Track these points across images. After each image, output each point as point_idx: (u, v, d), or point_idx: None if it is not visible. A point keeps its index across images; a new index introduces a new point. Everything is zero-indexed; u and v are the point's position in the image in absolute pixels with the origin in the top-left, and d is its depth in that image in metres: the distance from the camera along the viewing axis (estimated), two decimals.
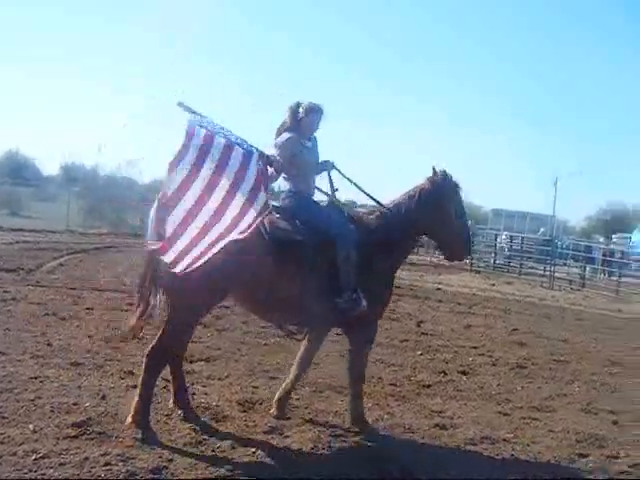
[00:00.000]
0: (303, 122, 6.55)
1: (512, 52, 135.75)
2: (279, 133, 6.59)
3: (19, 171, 54.45)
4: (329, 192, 6.79)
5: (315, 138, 6.79)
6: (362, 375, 6.76)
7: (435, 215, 6.72)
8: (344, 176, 6.78)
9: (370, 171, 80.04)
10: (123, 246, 23.84)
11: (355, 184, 6.81)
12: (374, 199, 7.00)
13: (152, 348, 5.84)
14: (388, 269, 6.75)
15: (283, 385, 6.82)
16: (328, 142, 7.06)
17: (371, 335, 6.79)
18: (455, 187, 6.83)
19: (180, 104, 5.67)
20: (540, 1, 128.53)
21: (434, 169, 6.79)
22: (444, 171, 6.75)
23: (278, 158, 6.23)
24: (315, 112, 6.58)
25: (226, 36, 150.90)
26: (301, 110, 6.54)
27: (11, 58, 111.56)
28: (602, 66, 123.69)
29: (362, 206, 7.31)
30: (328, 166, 6.76)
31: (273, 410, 6.64)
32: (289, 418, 6.60)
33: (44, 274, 14.75)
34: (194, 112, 5.65)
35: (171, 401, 6.35)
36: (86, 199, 35.59)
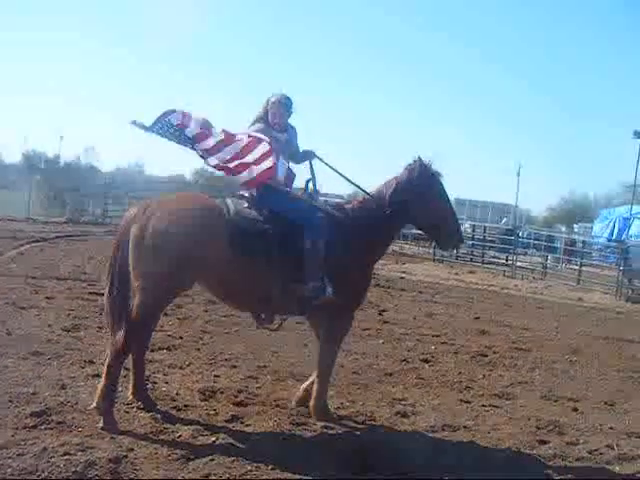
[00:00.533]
0: (270, 113, 6.62)
1: (472, 40, 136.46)
2: (252, 124, 6.66)
3: None
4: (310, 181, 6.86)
5: (293, 128, 6.84)
6: (331, 365, 6.77)
7: (417, 203, 6.61)
8: (327, 165, 6.81)
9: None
10: (84, 235, 23.63)
11: (338, 172, 6.85)
12: (358, 187, 7.02)
13: (118, 332, 5.81)
14: (366, 259, 6.74)
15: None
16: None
17: (346, 326, 6.80)
18: (433, 174, 6.68)
19: (133, 122, 6.00)
20: None
21: (416, 158, 6.70)
22: (419, 158, 6.66)
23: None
24: (280, 103, 6.63)
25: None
26: (270, 105, 6.63)
27: None
28: (566, 52, 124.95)
29: (339, 197, 7.30)
30: (309, 155, 6.82)
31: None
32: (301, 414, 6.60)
33: (4, 263, 14.57)
34: (146, 128, 6.03)
35: (130, 392, 6.31)
36: (47, 187, 35.22)
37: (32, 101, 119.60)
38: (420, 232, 7.34)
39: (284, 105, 6.65)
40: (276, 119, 6.63)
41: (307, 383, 6.81)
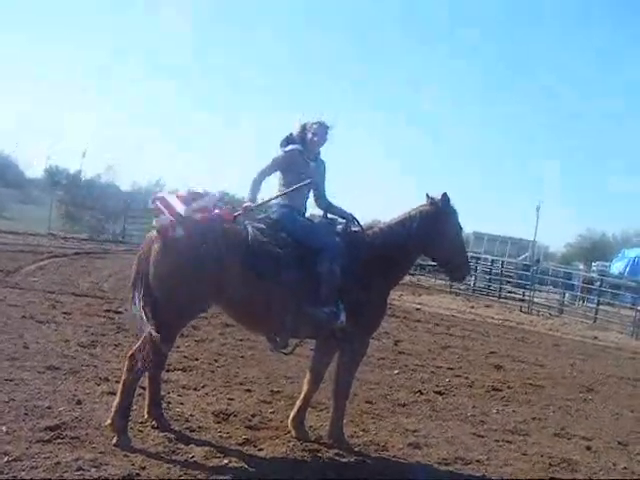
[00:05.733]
0: (309, 138, 6.65)
1: (494, 67, 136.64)
2: (284, 144, 6.67)
3: (1, 172, 54.02)
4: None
5: (322, 161, 6.87)
6: (348, 392, 6.79)
7: (438, 236, 6.77)
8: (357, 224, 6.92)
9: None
10: (103, 252, 23.77)
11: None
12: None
13: (136, 350, 5.85)
14: (383, 286, 6.77)
15: (296, 405, 6.80)
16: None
17: (361, 351, 6.81)
18: (454, 209, 6.88)
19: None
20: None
21: (428, 195, 6.86)
22: (445, 193, 6.78)
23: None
24: (322, 129, 6.67)
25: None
26: (308, 127, 6.66)
27: None
28: (586, 86, 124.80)
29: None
30: (348, 217, 6.86)
31: (292, 432, 6.62)
32: (313, 440, 6.60)
33: (23, 277, 14.67)
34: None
35: (145, 410, 6.33)
36: (68, 203, 35.44)
37: (58, 116, 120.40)
38: (433, 263, 7.46)
39: (325, 131, 6.68)
40: (314, 145, 6.67)
41: (297, 405, 6.80)
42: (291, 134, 6.71)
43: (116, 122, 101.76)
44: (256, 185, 6.46)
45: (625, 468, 7.12)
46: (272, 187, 6.70)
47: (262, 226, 6.40)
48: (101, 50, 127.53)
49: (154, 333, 5.74)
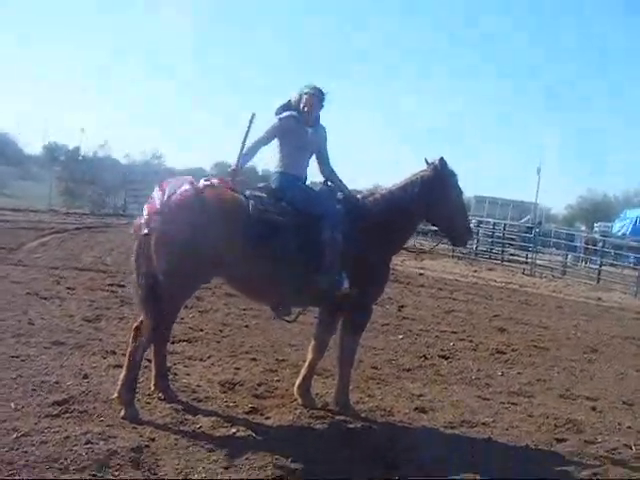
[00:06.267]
0: (302, 104, 6.60)
1: (493, 34, 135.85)
2: (280, 111, 6.64)
3: (0, 150, 53.83)
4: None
5: (323, 127, 6.83)
6: (352, 359, 6.83)
7: (439, 201, 6.76)
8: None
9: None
10: (104, 226, 23.76)
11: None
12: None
13: (141, 323, 5.88)
14: (385, 252, 6.78)
15: (301, 372, 6.84)
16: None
17: (365, 318, 6.84)
18: (453, 172, 6.87)
19: None
20: None
21: (427, 160, 6.84)
22: (442, 157, 6.75)
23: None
24: (314, 96, 6.62)
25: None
26: (303, 91, 6.62)
27: None
28: (592, 53, 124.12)
29: (358, 191, 7.28)
30: (345, 191, 6.82)
31: (298, 399, 6.66)
32: (319, 407, 6.64)
33: (26, 253, 14.68)
34: None
35: (152, 382, 6.36)
36: (68, 179, 35.40)
37: (54, 92, 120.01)
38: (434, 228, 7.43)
39: (317, 98, 6.62)
40: (307, 109, 6.60)
41: (303, 373, 6.83)
42: (289, 101, 6.67)
43: (116, 122, 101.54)
44: (248, 153, 6.45)
45: (630, 427, 7.15)
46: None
47: (262, 195, 6.40)
48: (101, 50, 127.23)
49: (151, 321, 5.82)
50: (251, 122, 6.38)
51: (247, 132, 6.38)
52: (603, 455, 6.20)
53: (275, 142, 6.60)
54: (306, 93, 6.59)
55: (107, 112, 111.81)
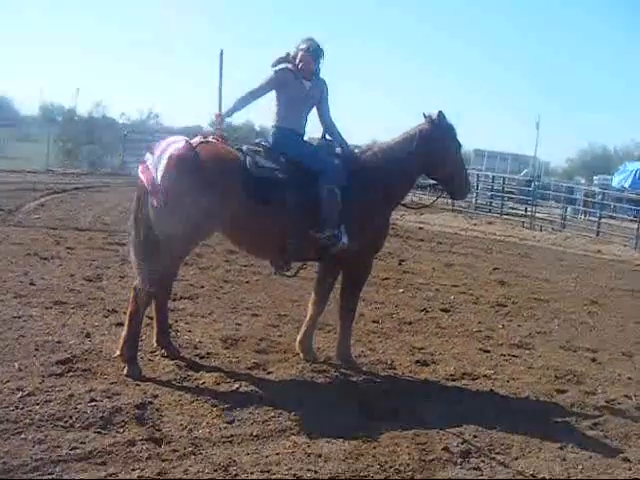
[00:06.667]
0: (298, 58, 6.49)
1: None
2: (276, 63, 6.53)
3: None
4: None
5: (324, 83, 6.73)
6: (353, 313, 6.87)
7: (438, 154, 6.74)
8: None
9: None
10: (103, 186, 23.67)
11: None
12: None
13: (140, 281, 5.87)
14: (384, 207, 6.77)
15: (302, 327, 6.86)
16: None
17: (366, 272, 6.88)
18: (452, 126, 6.84)
19: None
20: None
21: (424, 114, 6.79)
22: (440, 111, 6.73)
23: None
24: (309, 50, 6.49)
25: None
26: (299, 47, 6.52)
27: None
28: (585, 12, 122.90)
29: (356, 146, 7.23)
30: (343, 144, 6.77)
31: (300, 354, 6.70)
32: (321, 362, 6.69)
33: (25, 214, 14.63)
34: None
35: (154, 340, 6.39)
36: (65, 139, 35.21)
37: (49, 53, 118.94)
38: (433, 182, 7.38)
39: (313, 52, 6.49)
40: (303, 65, 6.49)
41: (304, 328, 6.86)
42: (287, 54, 6.55)
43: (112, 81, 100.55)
44: (240, 102, 6.40)
45: (630, 378, 7.21)
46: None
47: (260, 149, 6.35)
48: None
49: (146, 285, 5.81)
50: (221, 60, 6.33)
51: (220, 71, 6.36)
52: (603, 406, 6.28)
53: (272, 95, 6.53)
54: (301, 49, 6.49)
55: (102, 71, 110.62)
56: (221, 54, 6.36)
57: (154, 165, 5.75)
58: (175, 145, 5.77)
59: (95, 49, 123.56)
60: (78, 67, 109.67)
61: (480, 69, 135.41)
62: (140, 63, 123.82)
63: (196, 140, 5.99)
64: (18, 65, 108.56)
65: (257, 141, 6.59)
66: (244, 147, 6.27)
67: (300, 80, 6.48)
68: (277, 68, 6.47)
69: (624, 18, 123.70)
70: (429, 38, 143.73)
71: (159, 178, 5.66)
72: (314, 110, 6.74)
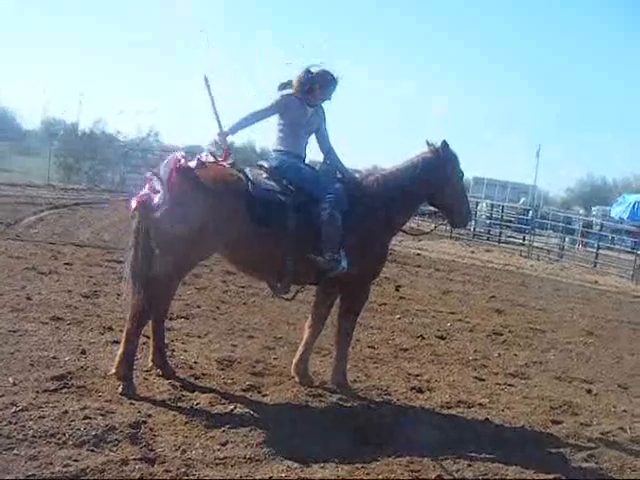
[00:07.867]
0: (312, 86, 6.54)
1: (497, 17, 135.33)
2: (282, 88, 6.59)
3: None
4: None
5: (321, 106, 6.76)
6: (350, 338, 6.86)
7: (440, 183, 6.76)
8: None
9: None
10: (102, 202, 23.70)
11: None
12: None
13: (137, 301, 5.86)
14: (384, 233, 6.79)
15: (299, 351, 6.84)
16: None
17: (363, 298, 6.87)
18: (455, 155, 6.87)
19: None
20: None
21: (428, 142, 6.81)
22: (444, 140, 6.75)
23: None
24: (329, 82, 6.60)
25: None
26: (314, 76, 6.55)
27: None
28: (587, 41, 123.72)
29: (357, 171, 7.28)
30: (345, 171, 6.83)
31: (295, 378, 6.68)
32: (317, 386, 6.66)
33: (24, 228, 14.65)
34: None
35: (149, 359, 6.37)
36: (66, 154, 35.29)
37: (49, 53, 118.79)
38: (433, 209, 7.40)
39: (332, 87, 6.66)
40: (315, 95, 6.58)
41: (300, 351, 6.83)
42: (291, 81, 6.58)
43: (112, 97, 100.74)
44: (243, 121, 6.42)
45: (625, 410, 7.20)
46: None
47: (262, 172, 6.38)
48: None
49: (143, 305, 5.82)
50: (208, 85, 6.32)
51: (211, 96, 6.32)
52: (598, 437, 6.25)
53: (274, 120, 6.57)
54: (323, 78, 6.55)
55: (102, 71, 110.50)
56: (206, 80, 6.33)
57: (157, 185, 5.76)
58: (178, 165, 5.78)
59: (95, 49, 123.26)
60: (78, 67, 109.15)
61: (480, 69, 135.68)
62: (140, 63, 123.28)
63: (199, 160, 6.00)
64: (18, 65, 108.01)
65: (259, 163, 6.62)
66: (247, 169, 6.29)
67: (304, 106, 6.51)
68: (284, 92, 6.52)
69: (624, 18, 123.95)
70: (429, 38, 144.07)
71: (161, 198, 5.67)
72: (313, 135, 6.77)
